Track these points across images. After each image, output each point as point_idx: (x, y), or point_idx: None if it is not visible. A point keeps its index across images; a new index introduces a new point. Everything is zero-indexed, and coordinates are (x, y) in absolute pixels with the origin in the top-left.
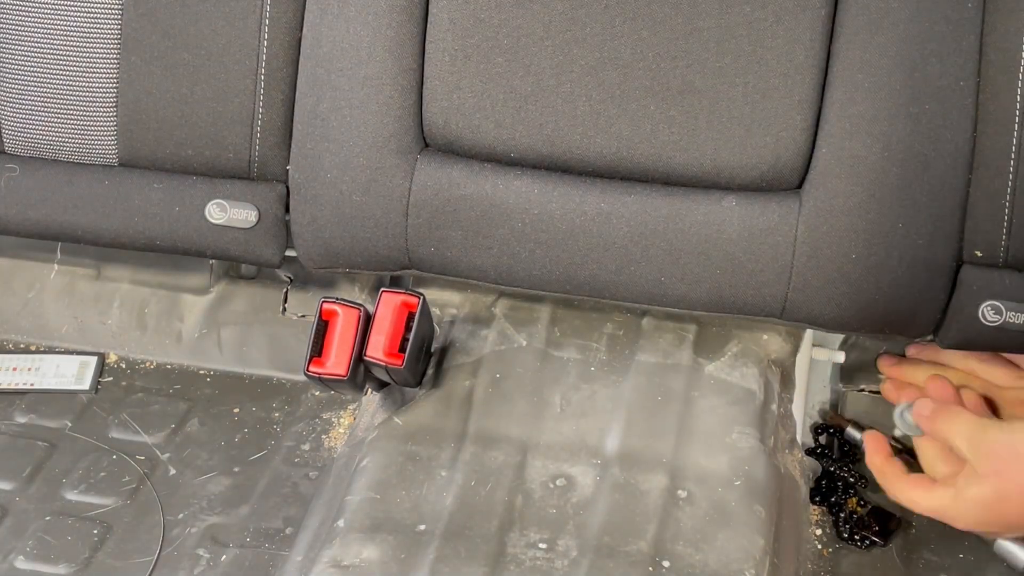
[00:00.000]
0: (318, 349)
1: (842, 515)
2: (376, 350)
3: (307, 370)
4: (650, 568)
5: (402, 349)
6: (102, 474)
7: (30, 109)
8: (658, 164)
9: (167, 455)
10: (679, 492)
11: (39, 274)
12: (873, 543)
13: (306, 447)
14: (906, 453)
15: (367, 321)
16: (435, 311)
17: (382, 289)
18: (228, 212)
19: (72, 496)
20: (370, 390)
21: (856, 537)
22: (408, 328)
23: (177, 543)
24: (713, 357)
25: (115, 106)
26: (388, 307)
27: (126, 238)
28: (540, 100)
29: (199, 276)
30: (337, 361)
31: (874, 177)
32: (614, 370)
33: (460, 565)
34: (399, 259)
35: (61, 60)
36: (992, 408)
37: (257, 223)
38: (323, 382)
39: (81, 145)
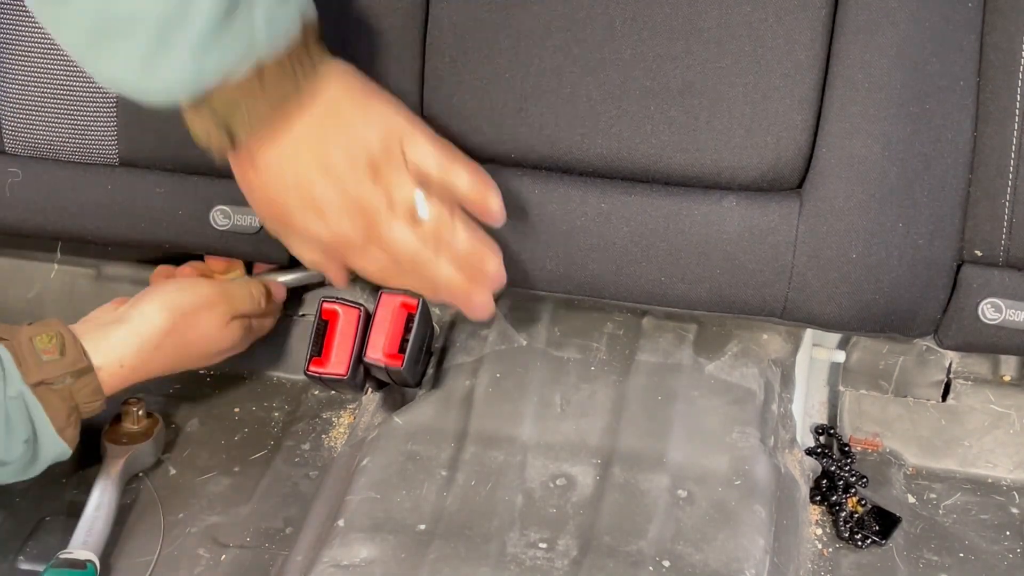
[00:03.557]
0: (318, 349)
1: (842, 515)
2: (376, 351)
3: (307, 370)
4: (650, 568)
5: (402, 350)
6: None
7: (30, 109)
8: (658, 164)
9: (167, 455)
10: (679, 492)
11: (39, 274)
12: (873, 543)
13: (306, 447)
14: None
15: (367, 321)
16: (435, 311)
17: (381, 290)
18: (232, 219)
19: (72, 496)
20: (370, 390)
21: (856, 537)
22: (408, 329)
23: (177, 543)
24: (713, 357)
25: (115, 106)
26: (388, 308)
27: (133, 240)
28: (540, 101)
29: None
30: (337, 361)
31: (874, 177)
32: (614, 370)
33: (460, 565)
34: None
35: (61, 60)
36: None
37: (261, 228)
38: (323, 382)
39: (82, 145)
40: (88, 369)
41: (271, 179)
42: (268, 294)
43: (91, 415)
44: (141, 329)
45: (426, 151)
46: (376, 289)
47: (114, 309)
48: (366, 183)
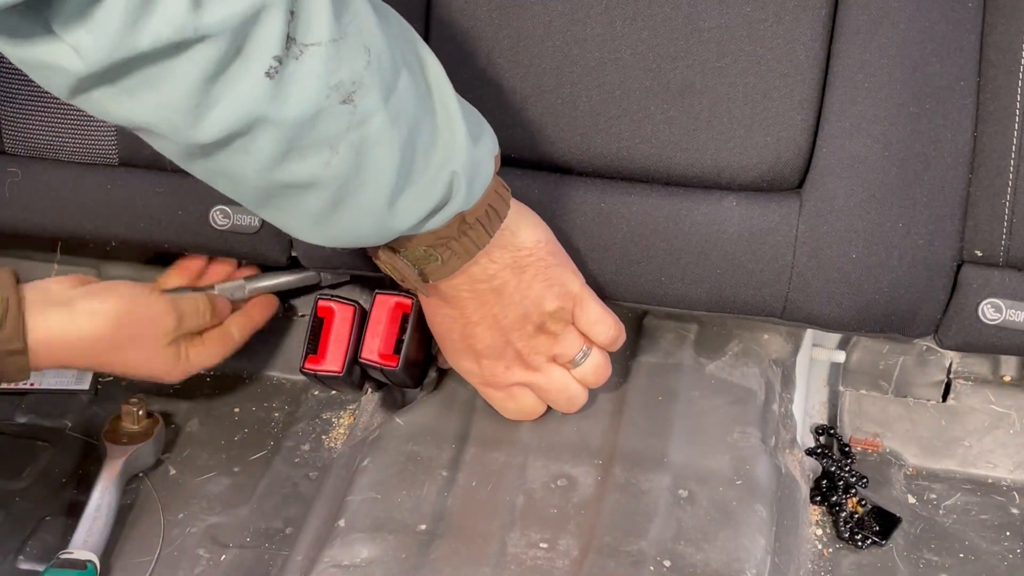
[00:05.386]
0: (314, 346)
1: (842, 515)
2: (371, 352)
3: (303, 367)
4: (651, 567)
5: (397, 351)
6: None
7: (30, 109)
8: (658, 164)
9: (167, 455)
10: (680, 492)
11: (39, 274)
12: (873, 543)
13: (306, 447)
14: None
15: (363, 318)
16: None
17: (376, 291)
18: (232, 218)
19: (72, 496)
20: (370, 390)
21: (856, 537)
22: (403, 329)
23: (177, 543)
24: (714, 357)
25: None
26: (383, 309)
27: (133, 240)
28: (540, 100)
29: None
30: (332, 358)
31: (874, 177)
32: (615, 370)
33: (461, 564)
34: None
35: None
36: None
37: (261, 227)
38: (319, 379)
39: (81, 145)
40: (21, 352)
41: (438, 310)
42: (213, 308)
43: (10, 382)
44: (82, 324)
45: (597, 319)
46: (372, 288)
47: (71, 287)
48: (528, 338)
